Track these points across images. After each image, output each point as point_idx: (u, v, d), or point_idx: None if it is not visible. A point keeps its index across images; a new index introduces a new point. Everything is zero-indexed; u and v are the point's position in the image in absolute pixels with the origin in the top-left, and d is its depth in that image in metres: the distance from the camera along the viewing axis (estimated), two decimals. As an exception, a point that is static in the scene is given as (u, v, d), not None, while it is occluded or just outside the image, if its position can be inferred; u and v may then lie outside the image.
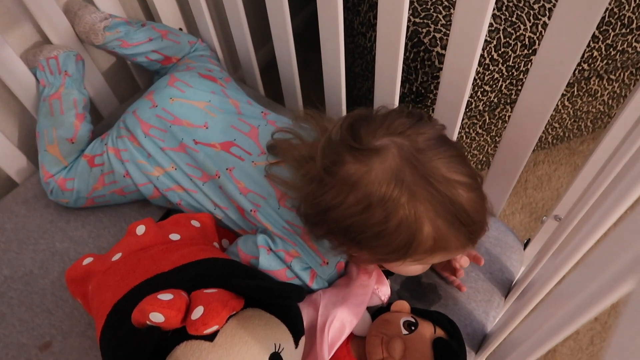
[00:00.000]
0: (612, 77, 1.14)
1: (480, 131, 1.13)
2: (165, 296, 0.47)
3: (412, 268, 0.61)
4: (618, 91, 1.19)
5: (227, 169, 0.68)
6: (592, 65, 1.02)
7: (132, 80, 1.02)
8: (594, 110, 1.24)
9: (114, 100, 0.97)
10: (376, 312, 0.66)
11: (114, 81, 0.98)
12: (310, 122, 0.64)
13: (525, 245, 0.82)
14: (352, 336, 0.65)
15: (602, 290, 0.24)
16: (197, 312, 0.46)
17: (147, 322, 0.46)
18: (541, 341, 0.37)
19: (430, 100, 0.95)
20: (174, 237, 0.62)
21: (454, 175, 0.51)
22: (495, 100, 1.01)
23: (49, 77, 0.79)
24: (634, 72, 1.15)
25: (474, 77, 0.91)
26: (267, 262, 0.62)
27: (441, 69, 0.86)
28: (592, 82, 1.13)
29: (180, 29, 0.99)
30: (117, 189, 0.76)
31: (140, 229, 0.62)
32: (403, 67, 0.89)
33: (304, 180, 0.57)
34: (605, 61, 1.02)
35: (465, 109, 0.99)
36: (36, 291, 0.73)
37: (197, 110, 0.73)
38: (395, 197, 0.50)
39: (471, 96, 0.96)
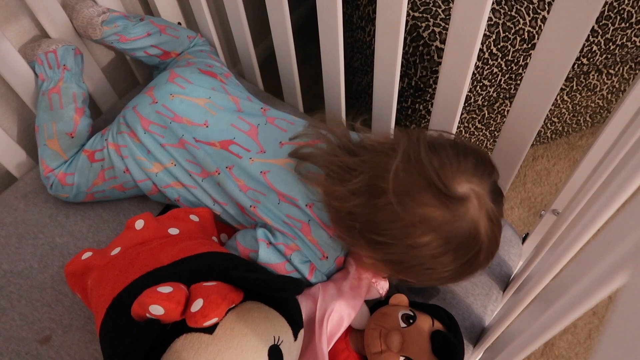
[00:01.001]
0: (611, 71, 1.14)
1: (479, 126, 1.13)
2: (165, 289, 0.48)
3: None
4: (617, 86, 1.19)
5: (227, 167, 0.68)
6: (592, 59, 1.02)
7: (131, 75, 1.02)
8: (593, 104, 1.24)
9: (112, 95, 0.97)
10: (375, 305, 0.66)
11: (113, 76, 0.98)
12: (333, 130, 0.63)
13: (524, 240, 0.83)
14: (350, 329, 0.65)
15: (595, 283, 0.25)
16: (197, 305, 0.46)
17: (147, 315, 0.47)
18: (537, 334, 0.38)
19: (429, 95, 0.95)
20: (173, 231, 0.63)
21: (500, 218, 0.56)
22: (495, 94, 1.01)
23: (48, 71, 0.79)
24: (633, 66, 1.15)
25: (473, 72, 0.91)
26: (267, 256, 0.62)
27: (440, 63, 0.86)
28: (591, 77, 1.13)
29: (179, 24, 0.98)
30: (117, 184, 0.76)
31: (139, 224, 0.62)
32: (402, 62, 0.89)
33: (350, 194, 0.57)
34: (604, 55, 1.02)
35: (464, 104, 0.99)
36: (36, 285, 0.73)
37: (197, 108, 0.73)
38: (473, 247, 0.53)
39: (470, 91, 0.96)
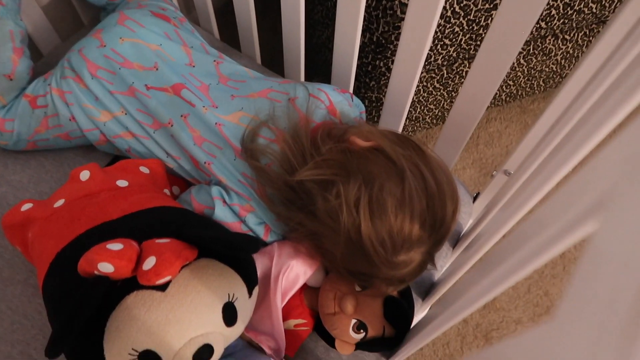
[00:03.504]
0: (567, 37, 1.16)
1: (437, 85, 1.14)
2: (115, 246, 0.46)
3: None
4: (571, 52, 1.22)
5: (181, 116, 0.65)
6: (550, 23, 1.03)
7: (75, 16, 0.94)
8: (547, 69, 1.26)
9: (55, 37, 0.90)
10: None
11: (55, 15, 0.91)
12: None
13: (475, 199, 0.85)
14: (305, 286, 0.65)
15: (560, 233, 0.25)
16: (149, 263, 0.45)
17: (95, 273, 0.45)
18: (486, 290, 0.39)
19: (390, 52, 0.94)
20: (122, 183, 0.60)
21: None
22: (454, 54, 1.01)
23: (-21, 6, 0.72)
24: (587, 33, 1.18)
25: (435, 30, 0.90)
26: (223, 214, 0.61)
27: (403, 19, 0.84)
28: (547, 41, 1.15)
29: (128, -39, 0.91)
30: (62, 133, 0.72)
31: (85, 175, 0.59)
32: (364, 16, 0.87)
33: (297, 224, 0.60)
34: (562, 20, 1.03)
35: (425, 62, 0.99)
36: (-27, 238, 0.69)
37: (148, 51, 0.69)
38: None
39: (431, 49, 0.96)
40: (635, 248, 0.13)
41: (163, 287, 0.46)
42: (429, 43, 0.65)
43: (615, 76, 0.37)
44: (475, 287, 0.44)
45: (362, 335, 0.60)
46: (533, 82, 1.31)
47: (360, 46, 0.77)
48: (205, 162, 0.64)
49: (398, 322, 0.61)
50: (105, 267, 0.44)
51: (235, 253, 0.51)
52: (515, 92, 1.33)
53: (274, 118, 0.63)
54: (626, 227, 0.14)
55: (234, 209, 0.61)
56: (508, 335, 1.20)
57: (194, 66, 0.71)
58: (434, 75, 1.09)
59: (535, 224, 0.30)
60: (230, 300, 0.49)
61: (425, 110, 1.23)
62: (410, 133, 1.33)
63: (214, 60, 0.73)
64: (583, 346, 0.14)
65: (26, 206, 0.58)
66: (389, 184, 0.54)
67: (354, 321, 0.60)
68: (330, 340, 0.63)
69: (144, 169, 0.64)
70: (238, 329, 0.51)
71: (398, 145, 0.57)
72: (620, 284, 0.13)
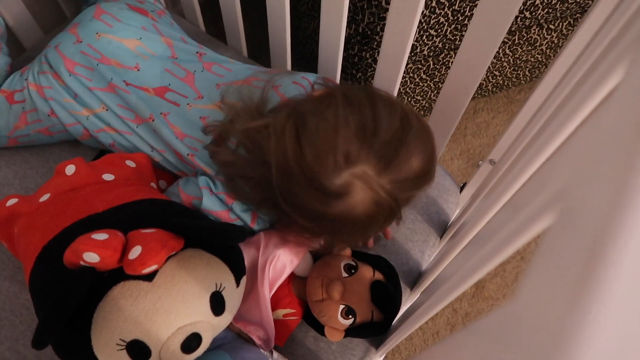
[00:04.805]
0: (552, 26, 1.17)
1: (424, 77, 1.14)
2: (100, 236, 0.46)
3: None
4: (556, 41, 1.23)
5: (161, 114, 0.65)
6: (534, 13, 1.04)
7: (57, 8, 0.93)
8: (532, 59, 1.27)
9: (37, 30, 0.89)
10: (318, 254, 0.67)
11: (36, 8, 0.90)
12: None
13: (462, 189, 0.86)
14: (293, 275, 0.66)
15: (518, 229, 0.26)
16: (135, 252, 0.45)
17: (81, 263, 0.45)
18: (468, 275, 0.40)
19: (376, 43, 0.94)
20: (108, 177, 0.60)
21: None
22: (440, 45, 1.01)
23: (-42, 0, 0.71)
24: (571, 22, 1.18)
25: (420, 21, 0.90)
26: (210, 203, 0.61)
27: (387, 9, 0.84)
28: (532, 31, 1.15)
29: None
30: (42, 128, 0.71)
31: (70, 169, 0.59)
32: (350, 7, 0.87)
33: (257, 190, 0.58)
34: (546, 10, 1.04)
35: (410, 54, 0.99)
36: (-42, 234, 0.69)
37: (127, 51, 0.68)
38: (373, 220, 0.53)
39: (416, 40, 0.96)
40: (586, 235, 0.14)
41: (150, 277, 0.46)
42: (413, 33, 0.65)
43: (590, 64, 0.38)
44: (458, 272, 0.45)
45: (351, 320, 0.61)
46: (519, 72, 1.32)
47: (346, 38, 0.77)
48: (188, 155, 0.64)
49: (386, 306, 0.62)
50: (91, 257, 0.44)
51: (221, 241, 0.51)
52: (501, 82, 1.34)
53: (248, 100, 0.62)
54: (580, 219, 0.15)
55: (221, 197, 0.62)
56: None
57: (176, 57, 0.71)
58: (420, 66, 1.10)
59: (511, 210, 0.31)
60: (217, 289, 0.50)
61: (412, 102, 1.24)
62: (398, 124, 1.33)
63: (197, 52, 0.73)
64: (540, 314, 0.14)
65: (11, 201, 0.58)
66: (316, 110, 0.52)
67: (342, 307, 0.61)
68: (319, 328, 0.64)
69: (130, 163, 0.64)
70: (226, 318, 0.52)
71: (349, 88, 0.55)
72: (572, 257, 0.13)
